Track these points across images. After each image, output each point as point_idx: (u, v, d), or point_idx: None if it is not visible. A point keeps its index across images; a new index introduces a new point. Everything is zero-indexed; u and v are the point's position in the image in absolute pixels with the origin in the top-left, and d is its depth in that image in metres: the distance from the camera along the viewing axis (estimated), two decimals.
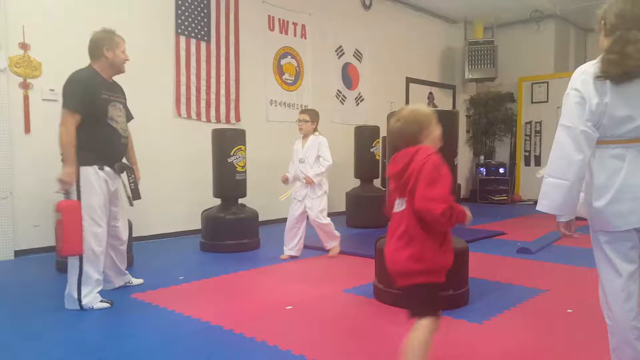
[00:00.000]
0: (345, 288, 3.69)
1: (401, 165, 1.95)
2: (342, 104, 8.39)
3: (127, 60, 3.45)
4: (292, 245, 4.79)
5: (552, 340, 2.66)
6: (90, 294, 3.22)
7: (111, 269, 3.59)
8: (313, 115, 4.79)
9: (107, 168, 3.34)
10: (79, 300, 3.18)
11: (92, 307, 3.20)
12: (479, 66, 10.16)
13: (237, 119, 6.75)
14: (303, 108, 7.66)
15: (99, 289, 3.30)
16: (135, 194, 3.49)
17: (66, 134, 3.18)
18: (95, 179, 3.26)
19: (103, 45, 3.32)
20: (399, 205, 1.99)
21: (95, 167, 3.27)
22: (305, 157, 4.71)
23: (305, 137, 4.80)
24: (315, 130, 4.78)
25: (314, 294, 3.58)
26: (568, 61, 10.66)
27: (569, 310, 3.16)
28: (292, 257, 4.77)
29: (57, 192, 3.20)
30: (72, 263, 3.21)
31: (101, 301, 3.25)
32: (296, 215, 4.74)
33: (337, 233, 4.90)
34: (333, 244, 4.92)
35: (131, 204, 3.53)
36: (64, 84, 3.28)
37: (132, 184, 3.52)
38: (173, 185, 6.11)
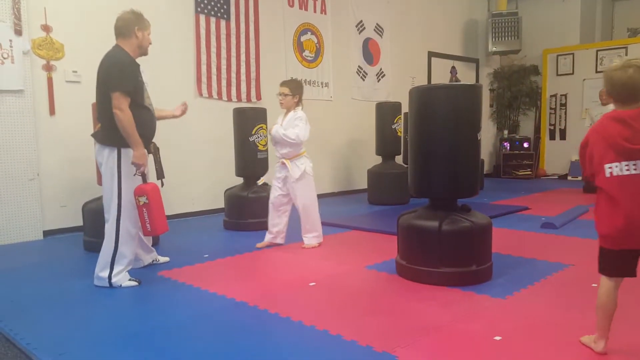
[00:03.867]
0: (368, 265, 3.70)
1: None
2: (363, 80, 8.31)
3: (151, 44, 3.44)
4: (274, 231, 4.37)
5: (577, 315, 2.64)
6: (121, 273, 3.29)
7: (140, 247, 3.67)
8: (294, 88, 4.19)
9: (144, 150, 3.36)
10: (109, 278, 3.25)
11: (121, 286, 3.27)
12: (503, 38, 9.93)
13: (258, 97, 6.74)
14: (326, 84, 7.67)
15: (129, 268, 3.37)
16: (160, 174, 3.53)
17: (126, 117, 3.10)
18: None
19: (135, 24, 3.27)
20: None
21: None
22: None
23: (286, 112, 4.25)
24: (297, 104, 4.21)
25: (336, 270, 3.60)
26: (594, 32, 10.35)
27: (594, 285, 3.10)
28: (271, 245, 4.37)
29: (135, 175, 3.23)
30: (108, 241, 3.27)
31: (129, 279, 3.32)
32: (273, 200, 4.33)
33: (320, 230, 4.37)
34: (311, 240, 4.33)
35: (162, 184, 3.57)
36: (109, 66, 3.18)
37: (157, 164, 3.55)
38: (196, 165, 6.16)
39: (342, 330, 2.46)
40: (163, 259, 3.90)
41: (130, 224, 3.29)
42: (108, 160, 3.23)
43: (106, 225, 3.30)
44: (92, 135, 3.41)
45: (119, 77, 3.13)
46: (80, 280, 3.44)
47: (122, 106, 3.10)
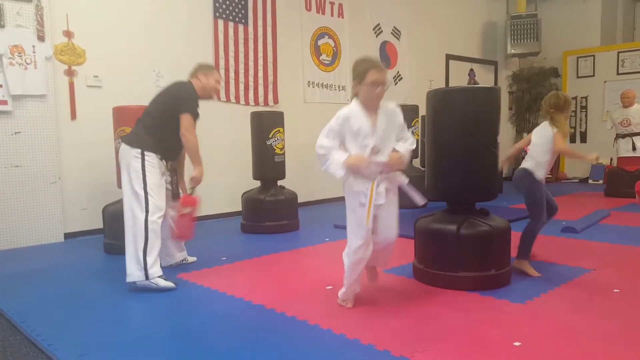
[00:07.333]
0: (384, 268, 3.68)
1: None
2: None
3: (218, 90, 3.79)
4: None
5: (598, 320, 2.60)
6: (156, 264, 3.25)
7: (172, 245, 3.76)
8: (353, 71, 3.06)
9: (162, 160, 3.46)
10: (145, 269, 3.19)
11: (157, 284, 3.21)
12: (522, 41, 9.84)
13: (275, 101, 6.77)
14: (343, 88, 7.66)
15: (159, 262, 3.32)
16: (174, 194, 3.64)
17: (193, 139, 3.40)
18: (156, 164, 3.37)
19: (199, 70, 3.66)
20: None
21: (157, 155, 3.39)
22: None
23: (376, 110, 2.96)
24: (355, 95, 2.97)
25: None
26: (615, 33, 10.19)
27: (615, 290, 3.07)
28: None
29: (190, 189, 3.57)
30: (138, 236, 3.22)
31: (166, 280, 3.27)
32: None
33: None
34: None
35: (173, 199, 3.64)
36: (180, 90, 3.48)
37: (173, 185, 3.66)
38: (214, 168, 6.15)
39: (359, 334, 2.45)
40: (191, 259, 3.99)
41: (158, 213, 3.29)
42: (135, 161, 3.29)
43: (131, 222, 3.25)
44: (122, 138, 3.53)
45: (191, 100, 3.46)
46: (101, 282, 3.49)
47: (190, 128, 3.38)
